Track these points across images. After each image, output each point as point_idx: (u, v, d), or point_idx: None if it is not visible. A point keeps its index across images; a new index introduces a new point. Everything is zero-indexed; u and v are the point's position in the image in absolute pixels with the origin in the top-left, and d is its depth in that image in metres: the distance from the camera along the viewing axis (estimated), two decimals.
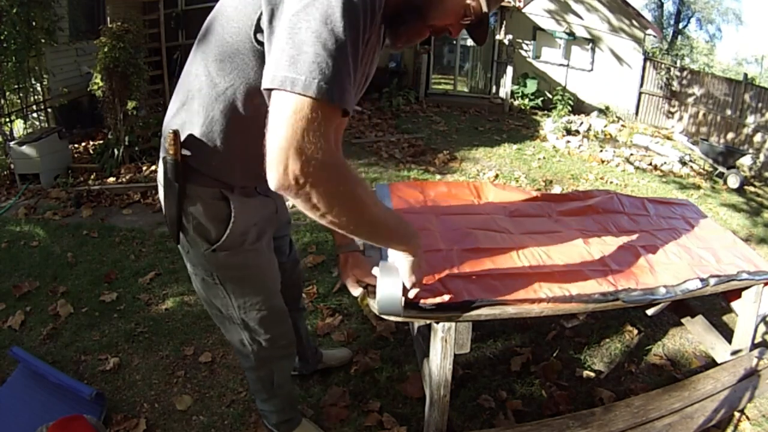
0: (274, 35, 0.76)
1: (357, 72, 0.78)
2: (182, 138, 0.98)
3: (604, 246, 1.65)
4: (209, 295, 1.19)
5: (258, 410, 1.63)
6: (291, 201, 0.79)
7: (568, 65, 9.86)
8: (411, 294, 1.15)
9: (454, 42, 10.42)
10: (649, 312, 1.88)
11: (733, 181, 5.81)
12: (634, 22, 9.72)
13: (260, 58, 0.88)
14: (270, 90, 0.73)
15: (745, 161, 6.83)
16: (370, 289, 1.25)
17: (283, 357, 1.37)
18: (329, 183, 0.75)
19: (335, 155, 0.75)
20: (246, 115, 0.96)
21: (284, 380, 1.44)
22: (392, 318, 1.17)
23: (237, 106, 0.95)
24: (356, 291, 1.24)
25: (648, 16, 17.07)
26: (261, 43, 0.85)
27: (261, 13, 0.81)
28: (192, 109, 0.97)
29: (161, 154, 1.03)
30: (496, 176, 4.89)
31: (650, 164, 6.26)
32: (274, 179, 0.73)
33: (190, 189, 1.01)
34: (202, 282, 1.17)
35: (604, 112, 9.43)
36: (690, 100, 9.41)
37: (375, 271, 1.13)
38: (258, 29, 0.85)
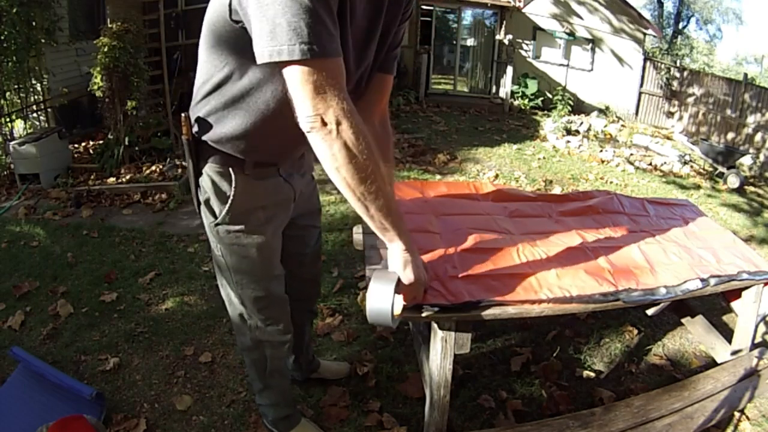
0: (249, 15, 0.83)
1: (335, 17, 0.83)
2: (198, 114, 1.08)
3: (604, 246, 1.65)
4: (218, 265, 1.27)
5: (257, 409, 1.63)
6: (316, 150, 0.86)
7: (568, 65, 9.86)
8: (407, 301, 1.13)
9: (454, 42, 10.43)
10: (649, 312, 1.88)
11: (733, 181, 5.80)
12: (635, 23, 9.72)
13: (241, 37, 0.92)
14: (267, 64, 0.82)
15: (745, 161, 6.83)
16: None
17: (277, 344, 1.37)
18: (352, 130, 0.83)
19: (352, 107, 0.84)
20: (247, 93, 1.01)
21: (278, 370, 1.44)
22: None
23: (237, 85, 1.01)
24: None
25: (648, 15, 17.02)
26: (237, 22, 0.91)
27: None
28: (202, 93, 1.06)
29: None
30: (496, 176, 4.89)
31: (650, 164, 6.27)
32: (306, 123, 0.83)
33: (203, 165, 1.13)
34: (213, 252, 1.25)
35: (604, 112, 9.42)
36: (690, 100, 9.41)
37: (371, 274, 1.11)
38: (231, 11, 0.90)
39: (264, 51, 0.79)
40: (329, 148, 0.83)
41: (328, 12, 0.80)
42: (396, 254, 1.04)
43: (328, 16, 0.80)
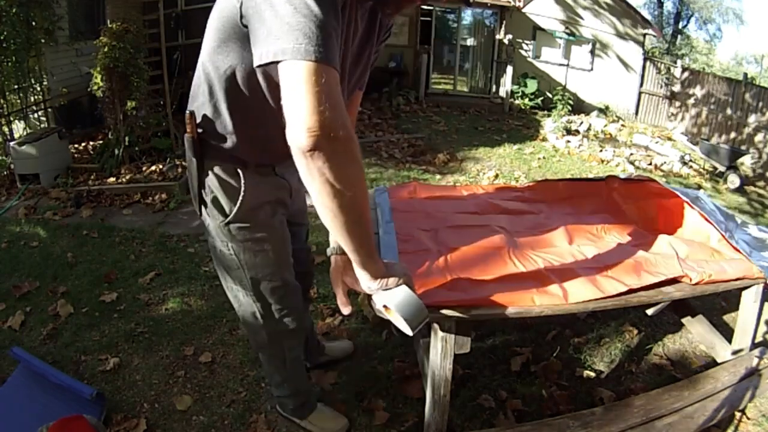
0: (257, 15, 0.80)
1: (340, 30, 0.80)
2: (198, 118, 1.07)
3: (604, 245, 1.65)
4: (225, 266, 1.25)
5: (275, 400, 1.65)
6: (301, 169, 0.78)
7: (568, 65, 9.86)
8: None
9: (454, 42, 10.42)
10: (649, 312, 1.88)
11: (734, 181, 5.80)
12: (635, 22, 9.72)
13: (248, 41, 0.89)
14: (264, 66, 0.77)
15: (746, 161, 6.83)
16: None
17: (293, 332, 1.39)
18: (342, 145, 0.75)
19: (345, 118, 0.76)
20: (248, 95, 1.02)
21: (296, 359, 1.47)
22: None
23: (239, 87, 1.01)
24: (346, 309, 1.14)
25: (648, 15, 17.02)
26: (246, 26, 0.89)
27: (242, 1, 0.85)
28: (203, 91, 1.05)
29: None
30: (496, 176, 4.89)
31: (650, 164, 6.26)
32: (294, 140, 0.74)
33: (207, 164, 1.11)
34: (219, 253, 1.23)
35: (604, 111, 9.42)
36: (690, 100, 9.40)
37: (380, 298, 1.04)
38: (241, 15, 0.88)
39: (267, 50, 0.75)
40: (316, 165, 0.75)
41: (335, 27, 0.77)
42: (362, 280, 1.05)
43: (334, 30, 0.77)
